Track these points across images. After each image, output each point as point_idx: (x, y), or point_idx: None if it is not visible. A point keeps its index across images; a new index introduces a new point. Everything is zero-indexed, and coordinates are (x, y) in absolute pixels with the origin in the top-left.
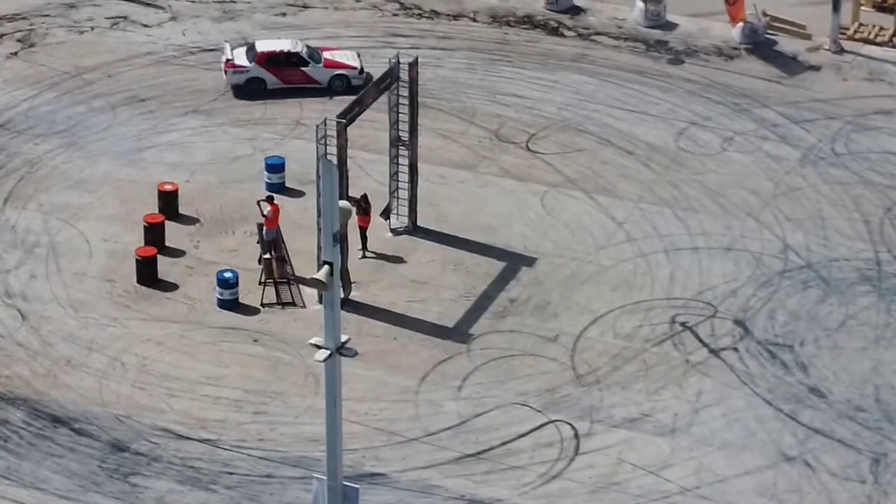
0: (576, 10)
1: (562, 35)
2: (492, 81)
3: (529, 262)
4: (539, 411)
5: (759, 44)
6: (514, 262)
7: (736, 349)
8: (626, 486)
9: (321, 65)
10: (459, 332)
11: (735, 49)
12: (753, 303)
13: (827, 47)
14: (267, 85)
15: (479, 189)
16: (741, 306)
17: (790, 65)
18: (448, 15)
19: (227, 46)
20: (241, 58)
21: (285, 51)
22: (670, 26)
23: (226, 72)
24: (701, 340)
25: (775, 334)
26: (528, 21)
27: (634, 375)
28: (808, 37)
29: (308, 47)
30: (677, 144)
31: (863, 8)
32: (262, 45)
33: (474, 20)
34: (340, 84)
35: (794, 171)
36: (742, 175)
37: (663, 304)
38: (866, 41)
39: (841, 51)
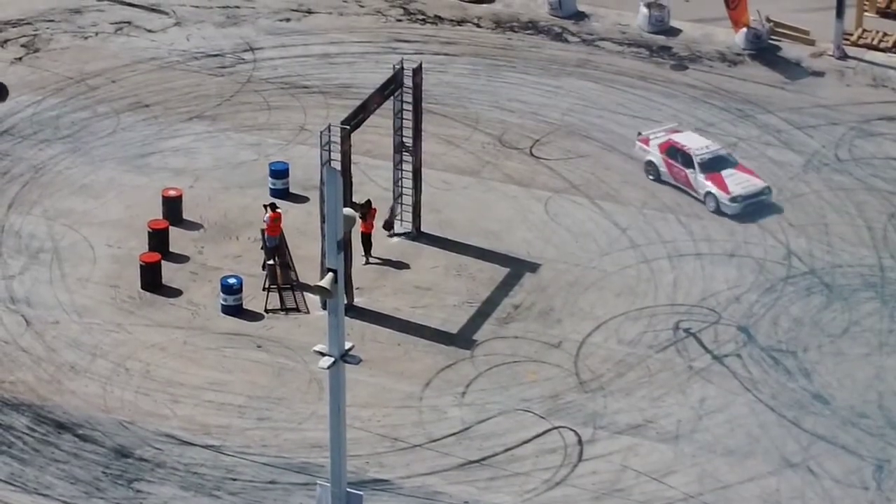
0: (579, 16)
1: (565, 40)
2: (495, 87)
3: (533, 267)
4: (542, 417)
5: (763, 49)
6: (518, 268)
7: (739, 355)
8: (629, 492)
9: (724, 172)
10: (463, 339)
11: (738, 55)
12: (757, 309)
13: (830, 53)
14: (660, 175)
15: (483, 195)
16: (744, 312)
17: (794, 70)
18: (452, 20)
19: (665, 129)
20: (656, 138)
21: (685, 147)
22: (674, 32)
23: (636, 143)
24: (704, 347)
25: (778, 340)
26: (532, 26)
27: (638, 382)
28: (811, 42)
29: (725, 154)
30: None
31: (866, 14)
32: (680, 136)
33: (478, 26)
34: (713, 205)
35: (798, 177)
36: None
37: (667, 310)
38: (870, 47)
39: (844, 56)
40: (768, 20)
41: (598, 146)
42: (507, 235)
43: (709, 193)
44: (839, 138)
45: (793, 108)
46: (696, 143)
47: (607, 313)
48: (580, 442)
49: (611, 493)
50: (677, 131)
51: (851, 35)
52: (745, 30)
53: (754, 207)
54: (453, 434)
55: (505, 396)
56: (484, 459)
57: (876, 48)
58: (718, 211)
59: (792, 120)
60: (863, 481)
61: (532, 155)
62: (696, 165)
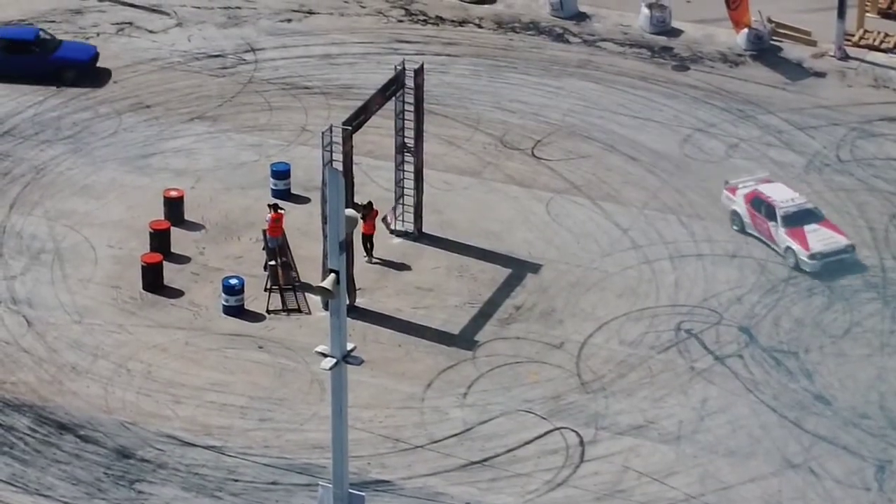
0: (581, 17)
1: (567, 41)
2: (497, 87)
3: (534, 268)
4: (544, 418)
5: (764, 50)
6: (519, 269)
7: (741, 356)
8: (630, 493)
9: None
10: (464, 339)
11: (740, 55)
12: (758, 310)
13: (832, 54)
14: (744, 227)
15: (484, 195)
16: (746, 313)
17: (795, 71)
18: (453, 21)
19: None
20: (744, 187)
21: (769, 199)
22: (675, 33)
23: (723, 192)
24: (706, 347)
25: (780, 341)
26: (534, 27)
27: (639, 382)
28: (813, 43)
29: (811, 208)
30: (682, 151)
31: (868, 14)
32: (766, 187)
33: (479, 26)
34: (793, 261)
35: (799, 178)
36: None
37: (668, 311)
38: (871, 48)
39: (846, 57)
40: (769, 21)
41: (599, 147)
42: (508, 236)
43: (788, 248)
44: (840, 139)
45: (794, 108)
46: (781, 196)
47: (609, 314)
48: (582, 443)
49: (612, 494)
50: (768, 181)
51: (853, 36)
52: (746, 30)
53: (836, 266)
54: (455, 435)
55: (507, 397)
56: (486, 460)
57: (877, 49)
58: (798, 268)
59: (793, 121)
60: (864, 482)
61: (533, 156)
62: (779, 218)
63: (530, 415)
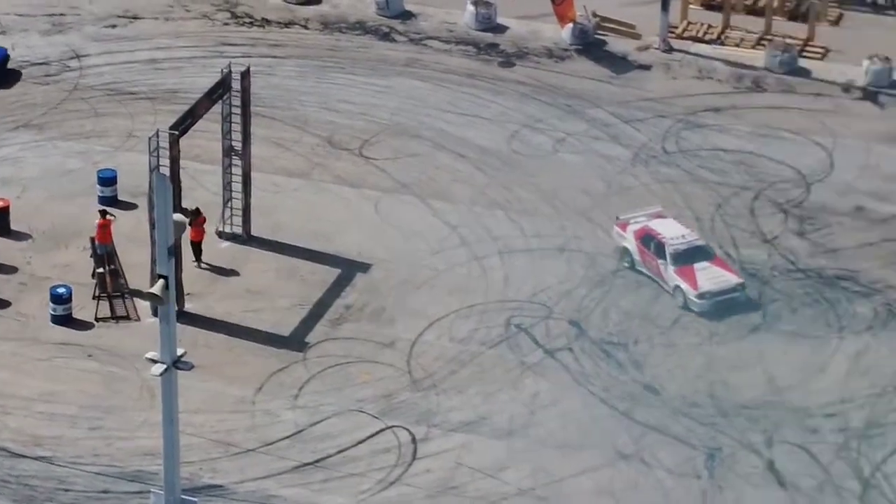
0: (407, 15)
1: (393, 40)
2: (324, 88)
3: (364, 268)
4: (376, 417)
5: (590, 44)
6: (350, 269)
7: (571, 349)
8: (464, 489)
9: (693, 266)
10: (295, 341)
11: (565, 50)
12: (587, 303)
13: (656, 46)
14: (634, 264)
15: (314, 196)
16: (575, 306)
17: (620, 65)
18: (279, 23)
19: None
20: (635, 223)
21: (659, 236)
22: (501, 29)
23: (614, 228)
24: (536, 342)
25: (609, 333)
26: (360, 27)
27: (470, 379)
28: (637, 36)
29: (702, 245)
30: (510, 147)
31: (691, 6)
32: (657, 223)
33: (305, 27)
34: (681, 301)
35: (626, 171)
36: (574, 176)
37: (498, 306)
38: (695, 39)
39: (670, 49)
40: (594, 15)
41: (427, 145)
42: (338, 237)
43: (677, 287)
44: (666, 131)
45: (620, 101)
46: (671, 232)
47: (439, 311)
48: (414, 441)
49: (445, 491)
50: (660, 216)
51: (677, 28)
52: (571, 25)
53: (726, 305)
54: (287, 437)
55: (338, 398)
56: (318, 461)
57: (701, 40)
58: (687, 307)
59: (619, 114)
60: (695, 470)
61: (362, 155)
62: (668, 256)
63: (362, 414)
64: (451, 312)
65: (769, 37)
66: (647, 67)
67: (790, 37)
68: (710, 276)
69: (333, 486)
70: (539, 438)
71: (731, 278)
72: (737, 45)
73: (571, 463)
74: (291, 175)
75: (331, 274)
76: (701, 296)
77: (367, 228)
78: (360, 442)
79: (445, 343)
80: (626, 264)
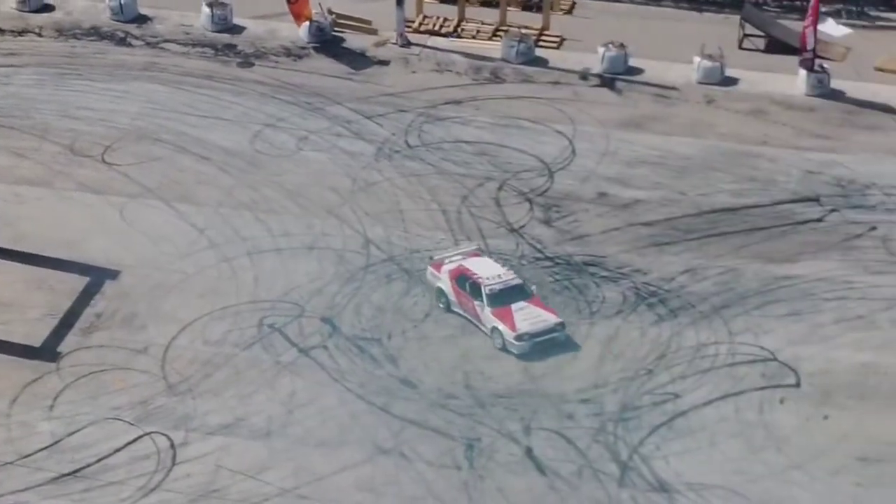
0: (142, 19)
1: (130, 45)
2: (63, 96)
3: (113, 275)
4: (133, 424)
5: (327, 42)
6: (98, 277)
7: (325, 347)
8: (225, 492)
9: (509, 306)
10: (47, 351)
11: (303, 49)
12: (339, 299)
13: (394, 41)
14: (450, 305)
15: (57, 205)
16: (327, 304)
17: (359, 61)
18: (13, 31)
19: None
20: (450, 262)
21: (474, 276)
22: (238, 30)
23: (429, 269)
24: (290, 341)
25: (363, 329)
26: (95, 32)
27: (226, 381)
28: (374, 32)
29: (519, 284)
30: (253, 147)
31: (426, 1)
32: (472, 262)
33: (40, 35)
34: (500, 343)
35: (370, 166)
36: (319, 173)
37: (250, 307)
38: (432, 33)
39: (408, 44)
40: (330, 12)
41: (169, 149)
42: (84, 244)
43: (495, 329)
44: (408, 125)
45: (361, 97)
46: (487, 272)
47: (191, 315)
48: (173, 446)
49: (207, 495)
50: (476, 255)
51: (413, 22)
52: (307, 23)
53: (545, 346)
54: (44, 448)
55: (94, 406)
56: (77, 471)
57: (438, 34)
58: (505, 349)
59: (361, 110)
60: (455, 462)
61: (104, 162)
62: (485, 297)
63: (119, 422)
64: (204, 315)
65: (504, 28)
66: (385, 63)
67: (525, 27)
68: (528, 317)
69: (94, 495)
70: (298, 437)
71: (549, 318)
72: (473, 38)
73: (332, 460)
74: (33, 184)
75: (79, 282)
76: (519, 337)
77: (114, 235)
78: (118, 450)
79: (199, 346)
80: (442, 305)
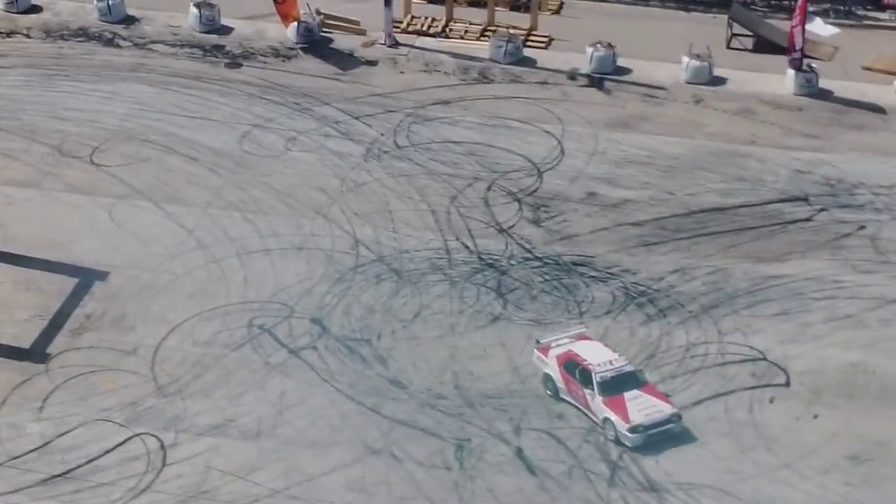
0: (130, 20)
1: (118, 46)
2: (51, 97)
3: (102, 276)
4: (123, 426)
5: (315, 42)
6: (87, 278)
7: (315, 347)
8: (215, 493)
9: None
10: (36, 353)
11: (291, 49)
12: (329, 300)
13: (382, 42)
14: (558, 392)
15: (46, 206)
16: (317, 304)
17: (347, 61)
18: (1, 33)
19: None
20: (557, 346)
21: (584, 362)
22: (226, 30)
23: (535, 353)
24: (280, 342)
25: (352, 329)
26: (83, 34)
27: (216, 382)
28: (362, 32)
29: (632, 371)
30: (241, 148)
31: (414, 1)
32: (581, 347)
33: (28, 36)
34: (612, 434)
35: (359, 167)
36: (308, 174)
37: (240, 308)
38: (420, 33)
39: (396, 44)
40: (318, 13)
41: (158, 149)
42: (73, 246)
43: (606, 420)
44: (397, 125)
45: (349, 98)
46: (597, 357)
47: (181, 316)
48: (163, 447)
49: (197, 496)
50: (584, 338)
51: (401, 22)
52: (295, 24)
53: (660, 438)
54: (34, 450)
55: (84, 407)
56: (67, 473)
57: (426, 34)
58: (618, 441)
59: (349, 110)
60: (445, 462)
61: (93, 163)
62: (595, 385)
63: (109, 423)
64: (193, 316)
65: (493, 28)
66: (373, 63)
67: (514, 27)
68: (643, 407)
69: (84, 496)
70: (288, 438)
71: (665, 408)
72: (461, 38)
73: (322, 461)
74: (22, 185)
75: (68, 283)
76: (633, 429)
77: (103, 236)
78: (108, 451)
79: (189, 347)
80: (549, 392)
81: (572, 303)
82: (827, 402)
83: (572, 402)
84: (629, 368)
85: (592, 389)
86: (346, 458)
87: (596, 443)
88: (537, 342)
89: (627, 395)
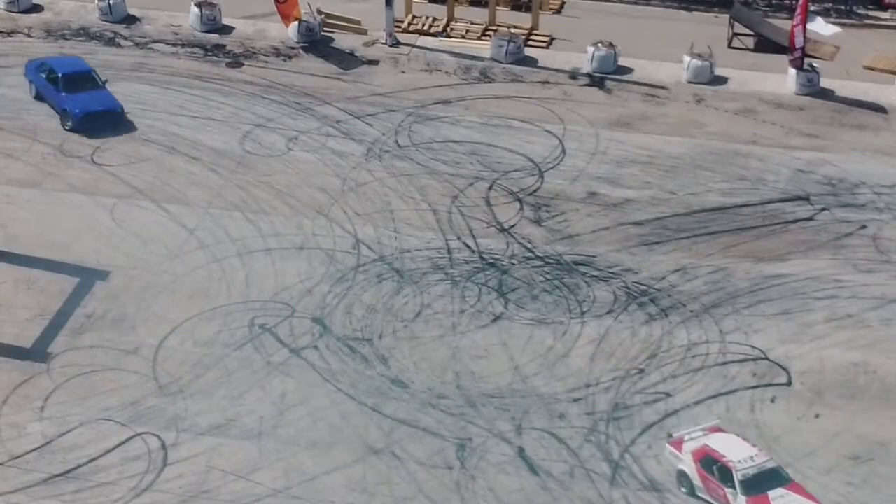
0: (131, 20)
1: (119, 45)
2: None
3: (103, 276)
4: (124, 425)
5: (316, 42)
6: (88, 278)
7: (316, 347)
8: (216, 493)
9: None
10: (37, 352)
11: (293, 48)
12: (330, 300)
13: (383, 41)
14: (694, 490)
15: (47, 206)
16: (318, 304)
17: (348, 61)
18: (1, 32)
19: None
20: (691, 439)
21: (722, 458)
22: (227, 30)
23: (667, 447)
24: (281, 341)
25: (354, 329)
26: (84, 33)
27: (217, 381)
28: (363, 32)
29: (775, 468)
30: (243, 147)
31: (415, 0)
32: (718, 441)
33: (29, 36)
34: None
35: (360, 166)
36: (309, 173)
37: (241, 307)
38: (421, 33)
39: (397, 44)
40: (319, 12)
41: (159, 149)
42: (74, 245)
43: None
44: (398, 125)
45: (350, 97)
46: (737, 453)
47: (182, 316)
48: (164, 446)
49: (198, 496)
50: (718, 430)
51: (402, 22)
52: (296, 23)
53: None
54: (35, 449)
55: (85, 407)
56: (68, 472)
57: (427, 33)
58: None
59: (351, 109)
60: (447, 461)
61: (94, 162)
62: (737, 484)
63: (110, 422)
64: (194, 316)
65: (494, 27)
66: (375, 62)
67: (515, 27)
68: None
69: (85, 496)
70: (289, 438)
71: None
72: (462, 37)
73: (323, 461)
74: (23, 185)
75: (69, 283)
76: None
77: (104, 235)
78: (109, 450)
79: (190, 347)
80: (685, 490)
81: (573, 301)
82: (828, 402)
83: (712, 501)
84: (771, 465)
85: (734, 488)
86: (348, 458)
87: (597, 442)
88: (669, 435)
89: (772, 493)
